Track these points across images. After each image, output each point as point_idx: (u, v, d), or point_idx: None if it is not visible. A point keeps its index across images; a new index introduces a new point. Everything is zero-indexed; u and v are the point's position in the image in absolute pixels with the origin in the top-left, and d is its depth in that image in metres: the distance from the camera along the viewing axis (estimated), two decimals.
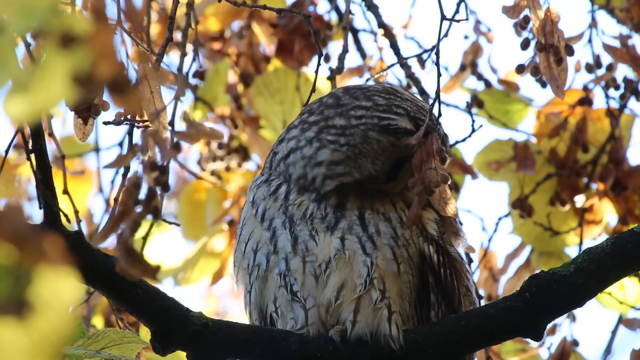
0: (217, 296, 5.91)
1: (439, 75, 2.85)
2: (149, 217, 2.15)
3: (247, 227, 2.82)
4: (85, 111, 2.51)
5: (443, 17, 2.95)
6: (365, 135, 2.74)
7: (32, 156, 2.38)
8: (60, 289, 1.65)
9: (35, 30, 2.11)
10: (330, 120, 2.76)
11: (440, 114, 2.79)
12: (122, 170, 2.92)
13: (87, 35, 1.73)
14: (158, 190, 2.17)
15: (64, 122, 4.88)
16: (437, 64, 2.89)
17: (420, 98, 2.97)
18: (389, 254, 2.73)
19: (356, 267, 2.72)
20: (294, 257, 2.74)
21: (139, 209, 2.13)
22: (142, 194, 2.16)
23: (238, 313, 5.93)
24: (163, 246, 4.70)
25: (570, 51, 3.06)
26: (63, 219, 2.53)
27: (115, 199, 2.86)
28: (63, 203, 2.66)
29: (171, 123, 2.46)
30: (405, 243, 2.76)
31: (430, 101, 2.89)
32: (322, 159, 2.75)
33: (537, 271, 2.76)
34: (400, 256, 2.75)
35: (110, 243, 3.60)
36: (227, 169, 4.64)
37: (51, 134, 2.99)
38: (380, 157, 2.75)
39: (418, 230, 2.78)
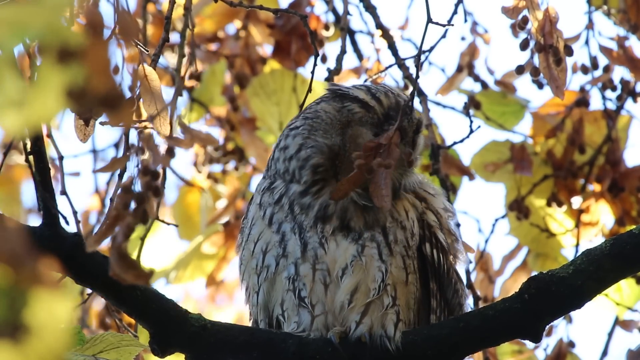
0: (194, 299, 5.90)
1: (419, 59, 2.83)
2: (139, 222, 2.14)
3: (256, 228, 2.81)
4: (87, 113, 2.50)
5: (429, 20, 2.94)
6: (316, 109, 2.78)
7: (31, 158, 2.36)
8: (55, 311, 1.64)
9: (30, 46, 2.09)
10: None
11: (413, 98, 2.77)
12: (117, 171, 2.91)
13: (82, 50, 1.72)
14: (150, 195, 2.15)
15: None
16: (419, 55, 2.88)
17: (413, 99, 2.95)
18: (400, 262, 2.74)
19: (371, 271, 2.72)
20: (303, 263, 2.74)
21: (131, 214, 2.12)
22: (135, 199, 2.15)
23: (214, 316, 5.90)
24: (156, 246, 4.69)
25: (569, 51, 3.05)
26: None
27: (111, 200, 2.86)
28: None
29: (169, 126, 2.45)
30: (413, 256, 2.77)
31: (429, 104, 2.89)
32: (289, 146, 2.77)
33: (535, 273, 2.75)
34: (409, 267, 2.75)
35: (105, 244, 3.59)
36: (224, 172, 4.63)
37: (49, 136, 2.98)
38: (330, 129, 2.76)
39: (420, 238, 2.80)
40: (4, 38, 1.64)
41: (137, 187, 2.12)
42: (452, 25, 3.11)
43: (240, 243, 2.88)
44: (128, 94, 2.49)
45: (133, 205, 2.09)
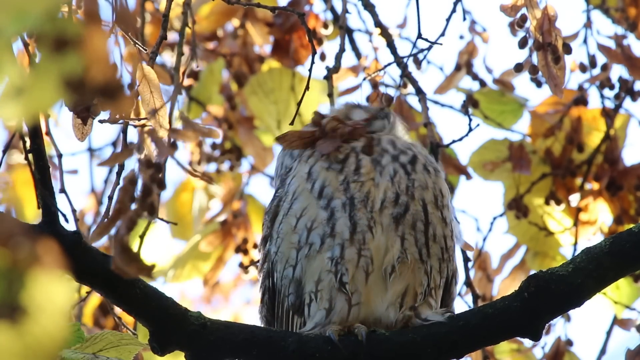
0: (190, 300, 5.90)
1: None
2: (145, 215, 2.14)
3: (299, 202, 2.77)
4: (85, 111, 2.49)
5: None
6: None
7: (30, 156, 2.36)
8: (54, 293, 1.63)
9: (29, 33, 2.08)
10: None
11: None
12: (115, 169, 2.91)
13: (80, 39, 1.71)
14: (154, 188, 2.15)
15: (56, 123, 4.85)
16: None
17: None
18: (436, 264, 2.75)
19: (418, 275, 2.73)
20: (350, 247, 2.71)
21: (134, 207, 2.12)
22: (138, 192, 2.14)
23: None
24: (150, 244, 4.68)
25: (567, 50, 3.05)
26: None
27: (110, 197, 2.86)
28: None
29: (168, 122, 2.45)
30: (448, 258, 2.77)
31: (428, 102, 2.89)
32: None
33: (533, 271, 2.75)
34: (443, 271, 2.76)
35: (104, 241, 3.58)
36: (218, 171, 4.62)
37: (48, 133, 2.98)
38: None
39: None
40: (2, 24, 1.63)
41: (140, 180, 2.11)
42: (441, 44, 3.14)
43: (269, 210, 2.85)
44: (127, 87, 2.48)
45: (137, 197, 2.09)
